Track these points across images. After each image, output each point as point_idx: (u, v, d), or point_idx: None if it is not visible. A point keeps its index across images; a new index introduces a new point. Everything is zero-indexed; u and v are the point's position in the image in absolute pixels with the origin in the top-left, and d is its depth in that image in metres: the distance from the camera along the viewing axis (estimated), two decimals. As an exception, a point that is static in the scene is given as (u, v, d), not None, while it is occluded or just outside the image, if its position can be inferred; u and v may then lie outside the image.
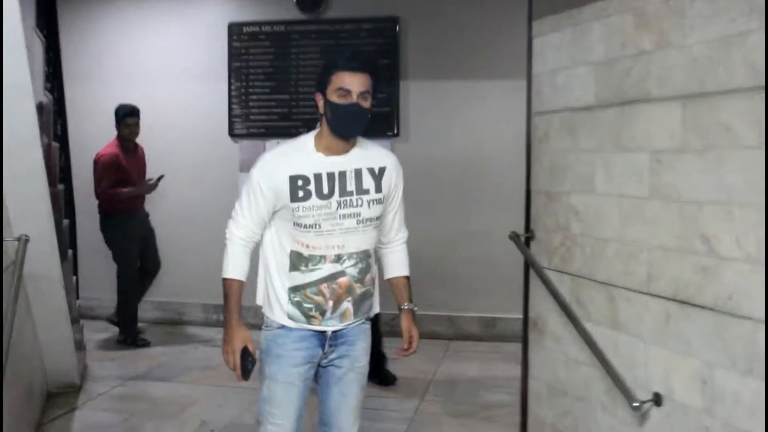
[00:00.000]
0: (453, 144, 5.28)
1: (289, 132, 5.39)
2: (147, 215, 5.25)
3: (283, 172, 2.18)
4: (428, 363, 4.75)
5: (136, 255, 5.17)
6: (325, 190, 2.19)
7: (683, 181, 2.31)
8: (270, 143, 5.46)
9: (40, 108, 3.52)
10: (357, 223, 2.23)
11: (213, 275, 5.28)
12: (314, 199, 2.18)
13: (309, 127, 5.11)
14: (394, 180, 2.32)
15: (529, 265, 3.16)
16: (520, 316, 4.85)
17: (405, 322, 2.47)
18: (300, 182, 2.18)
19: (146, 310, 5.56)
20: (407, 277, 2.50)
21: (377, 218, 2.28)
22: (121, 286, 5.12)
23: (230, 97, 5.57)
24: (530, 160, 3.18)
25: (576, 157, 2.84)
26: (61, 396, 4.02)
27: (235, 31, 5.54)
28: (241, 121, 5.58)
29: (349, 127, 2.20)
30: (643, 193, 2.48)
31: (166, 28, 5.67)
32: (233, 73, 5.56)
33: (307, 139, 2.26)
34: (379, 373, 4.11)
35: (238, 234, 2.27)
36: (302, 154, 2.22)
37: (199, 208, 5.57)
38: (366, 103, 2.17)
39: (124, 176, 5.02)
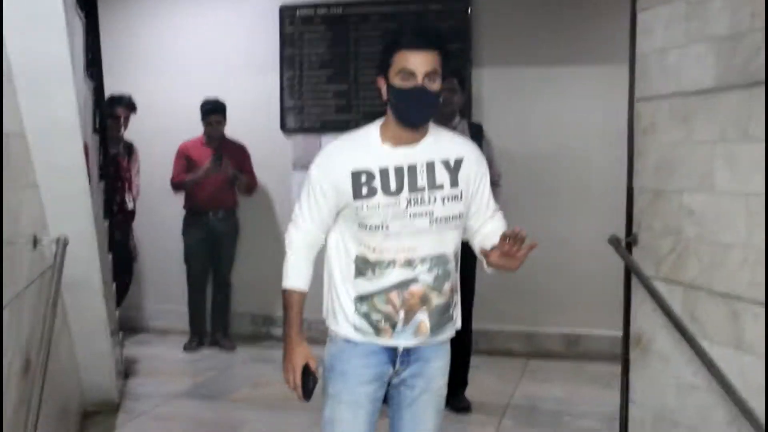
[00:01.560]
0: (533, 138, 5.18)
1: (348, 126, 5.31)
2: (225, 216, 5.40)
3: (345, 167, 2.14)
4: (505, 384, 4.65)
5: (197, 258, 5.40)
6: (393, 186, 2.13)
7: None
8: (326, 138, 5.42)
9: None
10: (430, 223, 2.15)
11: (263, 284, 5.45)
12: (380, 196, 2.12)
13: (370, 118, 5.19)
14: (474, 173, 2.23)
15: (631, 273, 3.04)
16: (607, 332, 4.88)
17: None
18: (364, 178, 2.13)
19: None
20: None
21: (456, 217, 2.19)
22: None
23: (282, 88, 5.57)
24: (632, 154, 3.06)
25: (690, 150, 2.70)
26: (99, 415, 4.03)
27: (287, 14, 5.54)
28: (294, 114, 5.57)
29: (416, 113, 2.12)
30: (777, 189, 2.31)
31: (213, 13, 5.70)
32: (285, 61, 5.55)
33: (372, 130, 2.20)
34: (455, 399, 3.98)
35: (299, 238, 2.24)
36: (366, 146, 2.17)
37: (247, 211, 5.57)
38: (434, 85, 2.09)
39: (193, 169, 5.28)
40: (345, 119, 5.42)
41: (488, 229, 2.29)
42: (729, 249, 2.52)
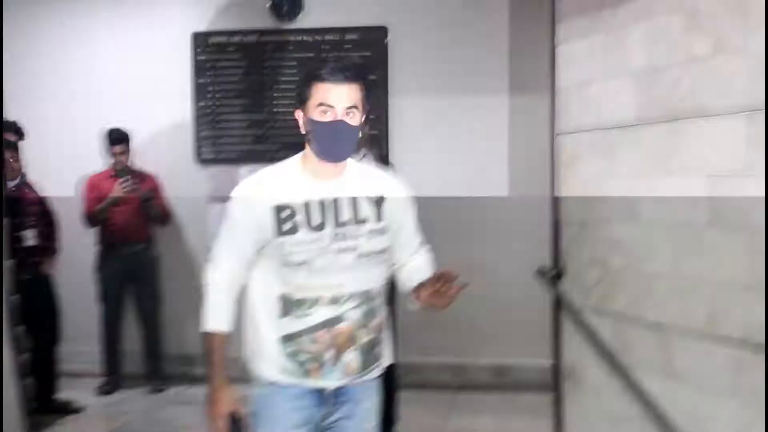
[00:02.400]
0: (453, 169, 5.21)
1: (266, 156, 5.27)
2: (142, 250, 5.25)
3: (266, 202, 2.12)
4: (435, 418, 4.64)
5: (113, 295, 5.24)
6: (316, 221, 2.12)
7: (751, 206, 2.23)
8: (244, 170, 5.35)
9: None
10: (356, 258, 2.15)
11: (178, 322, 5.30)
12: (304, 232, 2.12)
13: (290, 149, 5.14)
14: (398, 206, 2.25)
15: (560, 305, 3.06)
16: (536, 361, 4.93)
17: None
18: (286, 213, 2.12)
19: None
20: None
21: (380, 252, 2.20)
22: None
23: (197, 117, 5.46)
24: (555, 186, 3.11)
25: (615, 182, 2.78)
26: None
27: (200, 42, 5.44)
28: (209, 145, 5.46)
29: (335, 149, 2.12)
30: (701, 219, 2.40)
31: (122, 38, 5.52)
32: (199, 89, 5.44)
33: (292, 163, 2.21)
34: (385, 437, 3.96)
35: (219, 277, 2.19)
36: (287, 178, 2.17)
37: (165, 245, 5.44)
38: (354, 120, 2.09)
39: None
40: (263, 149, 5.36)
41: (414, 264, 2.32)
42: (657, 278, 2.60)
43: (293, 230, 2.11)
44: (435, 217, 4.60)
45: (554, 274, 3.05)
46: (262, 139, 5.41)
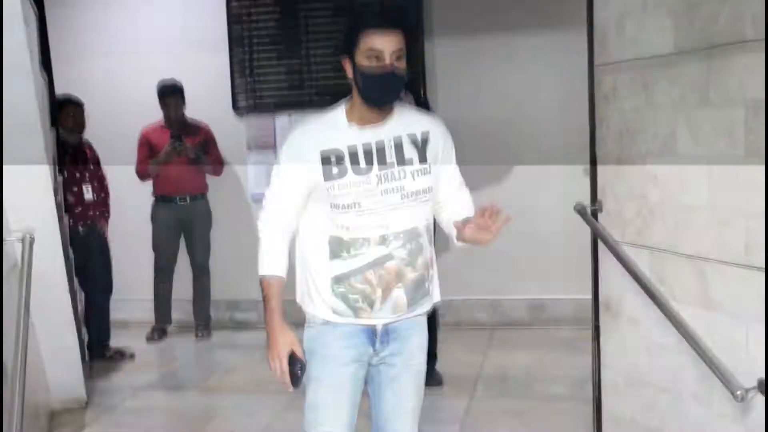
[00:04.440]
0: (490, 108, 5.23)
1: (302, 103, 5.41)
2: (194, 201, 5.37)
3: (314, 149, 2.18)
4: (473, 354, 4.75)
5: (167, 247, 5.39)
6: (362, 164, 2.18)
7: (789, 136, 2.24)
8: (281, 117, 5.45)
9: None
10: (402, 198, 2.20)
11: (223, 268, 5.44)
12: (351, 175, 2.17)
13: (324, 95, 5.28)
14: (441, 147, 2.29)
15: (598, 240, 3.10)
16: (571, 296, 5.03)
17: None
18: (333, 158, 2.17)
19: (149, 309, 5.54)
20: None
21: (425, 191, 2.25)
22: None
23: (232, 66, 5.53)
24: (594, 122, 3.11)
25: (652, 116, 2.78)
26: (67, 413, 4.01)
27: (233, -10, 5.45)
28: (245, 94, 5.54)
29: (384, 94, 2.18)
30: (739, 152, 2.41)
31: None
32: (234, 39, 5.50)
33: (338, 111, 2.24)
34: (427, 374, 4.06)
35: (272, 224, 2.26)
36: (333, 127, 2.22)
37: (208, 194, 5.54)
38: (401, 65, 2.14)
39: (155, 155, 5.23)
40: (299, 96, 5.43)
41: (455, 203, 2.36)
42: (694, 211, 2.62)
43: (341, 174, 2.17)
44: (473, 155, 4.71)
45: (592, 210, 3.07)
46: (298, 86, 5.45)
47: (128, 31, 5.63)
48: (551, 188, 5.07)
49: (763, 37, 2.29)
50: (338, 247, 2.21)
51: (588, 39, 3.08)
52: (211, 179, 5.46)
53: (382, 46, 2.10)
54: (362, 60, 2.12)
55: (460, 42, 5.24)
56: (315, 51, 5.40)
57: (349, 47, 2.15)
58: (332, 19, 5.26)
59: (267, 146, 5.47)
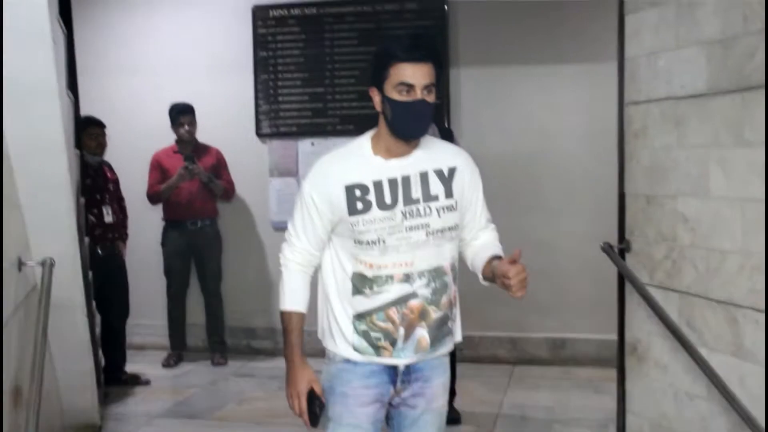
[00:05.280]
0: (514, 141, 5.16)
1: (325, 130, 5.39)
2: (205, 225, 5.33)
3: (338, 182, 2.16)
4: (492, 392, 4.64)
5: (178, 272, 5.37)
6: (388, 200, 2.15)
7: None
8: (303, 143, 5.43)
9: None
10: (427, 236, 2.17)
11: (241, 295, 5.41)
12: (375, 211, 2.15)
13: (347, 123, 5.26)
14: (467, 181, 2.26)
15: (624, 280, 3.04)
16: (594, 336, 4.94)
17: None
18: (358, 192, 2.15)
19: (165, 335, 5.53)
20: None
21: (452, 228, 2.22)
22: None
23: (257, 91, 5.52)
24: (623, 158, 3.07)
25: (684, 154, 2.72)
26: (81, 439, 3.96)
27: (260, 15, 5.47)
28: (269, 119, 5.52)
29: (414, 127, 2.15)
30: (774, 195, 2.34)
31: (183, 14, 5.61)
32: (259, 64, 5.50)
33: (363, 142, 2.22)
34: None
35: (294, 258, 2.25)
36: (358, 159, 2.19)
37: (226, 219, 5.54)
38: (431, 98, 2.12)
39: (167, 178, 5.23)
40: (321, 123, 5.40)
41: (481, 241, 2.33)
42: (725, 255, 2.55)
43: (365, 209, 2.15)
44: (497, 187, 4.68)
45: (620, 249, 3.02)
46: (321, 113, 5.43)
47: (152, 51, 5.64)
48: (576, 224, 4.99)
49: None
50: (361, 284, 2.19)
51: (618, 75, 3.05)
52: (226, 205, 5.47)
53: (413, 80, 2.08)
54: (392, 92, 2.10)
55: (484, 71, 5.19)
56: (339, 78, 5.34)
57: (377, 78, 2.14)
58: (358, 47, 5.26)
59: (289, 173, 5.44)
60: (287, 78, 5.47)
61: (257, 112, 5.53)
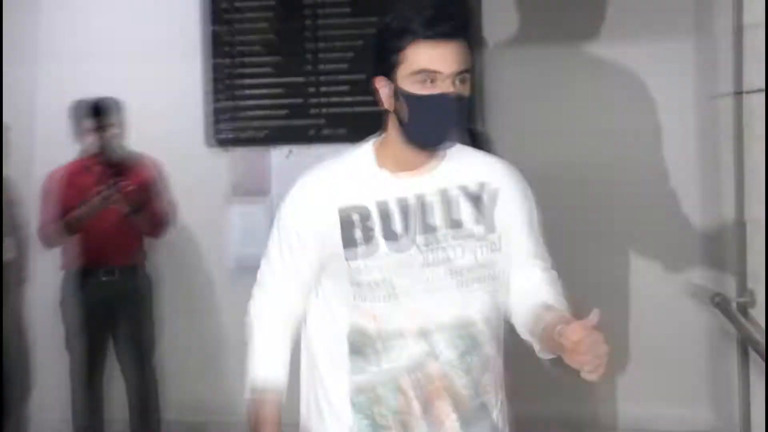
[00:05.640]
0: (568, 147, 5.13)
1: (306, 135, 5.42)
2: (129, 274, 5.09)
3: (329, 204, 2.19)
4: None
5: (90, 342, 5.09)
6: (397, 227, 2.18)
7: None
8: (277, 153, 5.42)
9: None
10: (450, 275, 2.19)
11: (181, 371, 5.26)
12: (380, 242, 2.17)
13: (337, 126, 5.14)
14: (515, 208, 2.28)
15: (748, 350, 3.03)
16: (690, 428, 4.80)
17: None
18: (356, 217, 2.18)
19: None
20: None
21: (484, 266, 2.21)
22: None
23: (211, 81, 5.48)
24: (742, 172, 3.03)
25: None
26: None
27: (215, -21, 5.58)
28: (229, 120, 5.49)
29: (440, 131, 2.17)
30: None
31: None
32: (214, 43, 5.47)
33: (364, 152, 2.26)
34: None
35: (269, 309, 2.32)
36: (357, 173, 2.23)
37: (165, 260, 5.38)
38: (465, 89, 2.13)
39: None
40: (302, 126, 5.41)
41: (535, 293, 2.26)
42: None
43: (367, 240, 2.17)
44: (546, 213, 4.55)
45: (740, 303, 2.97)
46: (301, 112, 5.43)
47: (73, 33, 5.60)
48: (653, 260, 4.96)
49: None
50: (361, 343, 2.21)
51: (734, 54, 3.00)
52: (164, 240, 5.25)
53: (440, 65, 2.07)
54: (408, 83, 2.10)
55: (528, 52, 5.17)
56: (326, 63, 5.38)
57: (385, 63, 2.14)
58: (353, 18, 5.28)
59: (258, 193, 5.38)
60: (253, 63, 5.49)
61: (213, 111, 5.50)
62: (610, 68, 5.10)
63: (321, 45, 5.36)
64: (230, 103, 5.46)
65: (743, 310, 2.95)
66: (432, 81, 2.07)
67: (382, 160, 2.21)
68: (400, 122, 2.15)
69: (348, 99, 5.25)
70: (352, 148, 2.28)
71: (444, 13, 2.07)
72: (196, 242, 5.50)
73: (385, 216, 2.18)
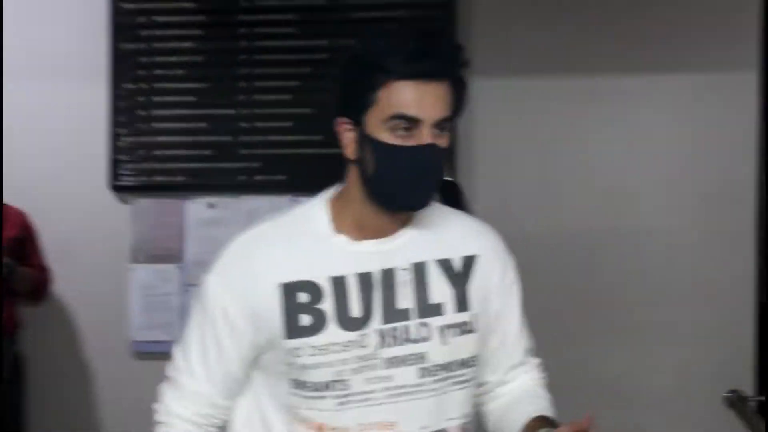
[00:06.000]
0: (564, 206, 5.26)
1: (235, 182, 5.40)
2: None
3: (269, 278, 2.20)
4: None
5: None
6: (355, 311, 2.19)
7: None
8: (195, 205, 5.44)
9: None
10: (422, 376, 2.21)
11: None
12: (333, 330, 2.18)
13: (274, 170, 5.28)
14: (495, 282, 2.33)
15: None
16: None
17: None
18: (304, 297, 2.19)
19: None
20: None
21: (466, 364, 2.27)
22: None
23: (113, 112, 5.52)
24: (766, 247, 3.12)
25: None
26: None
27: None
28: (134, 161, 5.50)
29: (416, 190, 2.18)
30: None
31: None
32: (119, 64, 5.52)
33: (316, 210, 2.28)
34: None
35: (183, 413, 2.28)
36: (306, 238, 2.24)
37: (36, 341, 5.46)
38: (443, 140, 2.14)
39: None
40: (229, 170, 5.42)
41: (515, 389, 2.39)
42: None
43: (316, 328, 2.18)
44: (533, 292, 4.69)
45: (760, 403, 3.12)
46: (229, 152, 5.45)
47: None
48: (671, 352, 5.05)
49: None
50: None
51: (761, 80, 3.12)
52: (34, 315, 5.33)
53: (420, 111, 2.08)
54: (379, 130, 2.11)
55: (513, 84, 5.31)
56: (264, 93, 5.44)
57: (353, 103, 2.15)
58: (299, 41, 5.35)
59: (168, 257, 5.36)
60: (170, 89, 5.52)
61: (114, 150, 5.52)
62: (619, 106, 5.23)
63: (258, 71, 5.39)
64: (138, 139, 5.45)
65: (764, 410, 3.04)
66: (407, 129, 2.08)
67: (339, 221, 2.23)
68: (365, 176, 2.16)
69: (289, 138, 5.23)
70: (301, 204, 2.31)
71: (428, 47, 2.08)
72: (83, 315, 5.54)
73: (341, 295, 2.18)
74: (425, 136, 2.08)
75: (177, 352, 2.30)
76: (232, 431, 2.31)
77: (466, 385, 2.28)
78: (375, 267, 2.20)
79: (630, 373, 5.14)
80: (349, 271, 2.19)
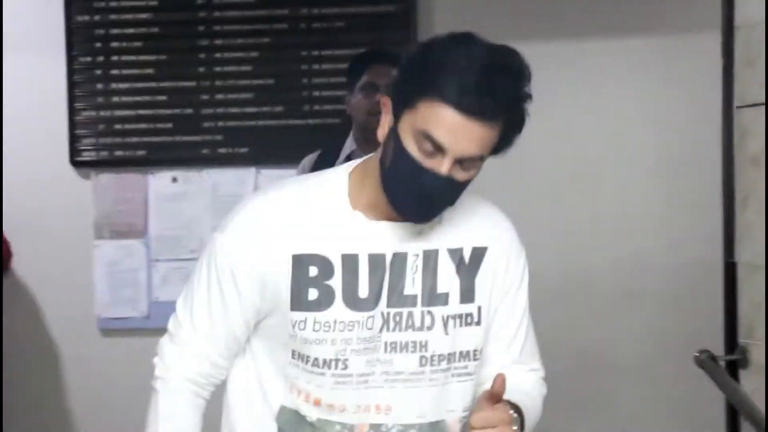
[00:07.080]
0: (529, 168, 5.21)
1: (199, 155, 5.40)
2: None
3: (282, 246, 2.16)
4: None
5: None
6: (363, 291, 2.17)
7: None
8: (158, 178, 5.43)
9: None
10: (422, 364, 2.21)
11: None
12: (339, 307, 2.17)
13: (241, 143, 5.29)
14: (503, 273, 2.32)
15: (738, 417, 3.12)
16: None
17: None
18: (314, 270, 2.17)
19: None
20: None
21: (467, 357, 2.26)
22: None
23: (70, 85, 5.51)
24: (731, 204, 3.16)
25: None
26: None
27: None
28: (94, 135, 5.51)
29: (417, 207, 2.13)
30: None
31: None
32: (77, 35, 5.50)
33: (337, 182, 2.24)
34: None
35: (181, 366, 2.26)
36: (323, 210, 2.20)
37: (19, 313, 5.46)
38: (464, 175, 2.08)
39: None
40: (193, 143, 5.42)
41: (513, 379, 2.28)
42: None
43: (323, 303, 2.16)
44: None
45: (728, 361, 3.08)
46: (193, 125, 5.46)
47: None
48: (637, 317, 5.14)
49: None
50: (293, 430, 2.22)
51: (725, 64, 3.18)
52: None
53: (449, 142, 2.00)
54: (407, 134, 2.05)
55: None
56: (225, 65, 5.45)
57: (404, 94, 2.08)
58: (259, 11, 5.35)
59: (132, 232, 5.34)
60: (127, 62, 5.51)
61: (71, 123, 5.52)
62: (580, 71, 5.28)
63: (218, 42, 5.38)
64: (97, 113, 5.46)
65: (733, 369, 3.03)
66: (431, 153, 2.01)
67: (356, 197, 2.19)
68: (383, 165, 2.12)
69: (252, 110, 5.26)
70: (322, 173, 2.30)
71: (490, 85, 1.96)
72: (45, 293, 5.54)
73: (351, 274, 2.16)
74: (444, 166, 2.01)
75: (179, 308, 2.27)
76: (228, 397, 2.29)
77: (468, 377, 2.27)
78: (387, 249, 2.17)
79: (603, 339, 5.19)
80: (362, 251, 2.17)
